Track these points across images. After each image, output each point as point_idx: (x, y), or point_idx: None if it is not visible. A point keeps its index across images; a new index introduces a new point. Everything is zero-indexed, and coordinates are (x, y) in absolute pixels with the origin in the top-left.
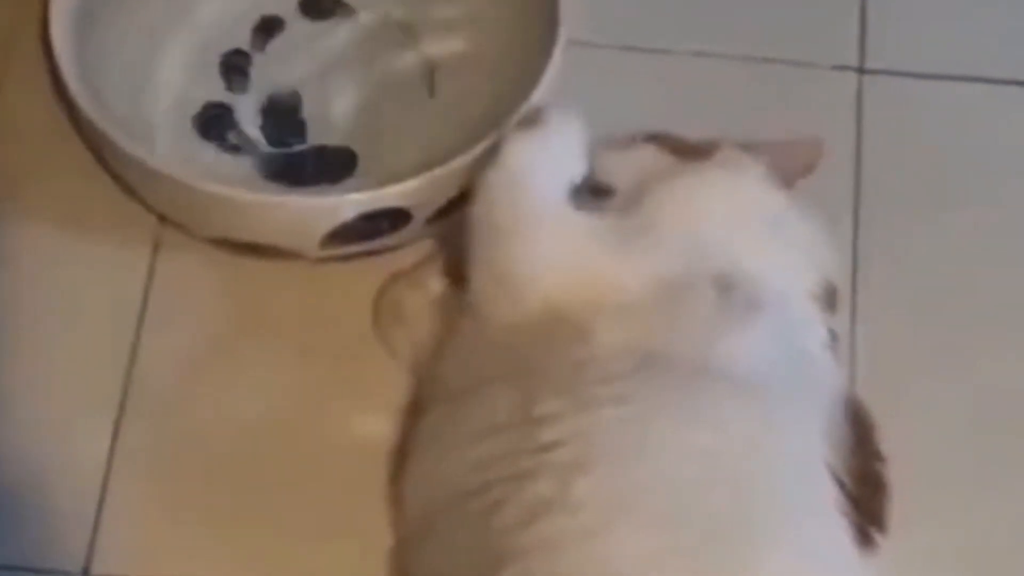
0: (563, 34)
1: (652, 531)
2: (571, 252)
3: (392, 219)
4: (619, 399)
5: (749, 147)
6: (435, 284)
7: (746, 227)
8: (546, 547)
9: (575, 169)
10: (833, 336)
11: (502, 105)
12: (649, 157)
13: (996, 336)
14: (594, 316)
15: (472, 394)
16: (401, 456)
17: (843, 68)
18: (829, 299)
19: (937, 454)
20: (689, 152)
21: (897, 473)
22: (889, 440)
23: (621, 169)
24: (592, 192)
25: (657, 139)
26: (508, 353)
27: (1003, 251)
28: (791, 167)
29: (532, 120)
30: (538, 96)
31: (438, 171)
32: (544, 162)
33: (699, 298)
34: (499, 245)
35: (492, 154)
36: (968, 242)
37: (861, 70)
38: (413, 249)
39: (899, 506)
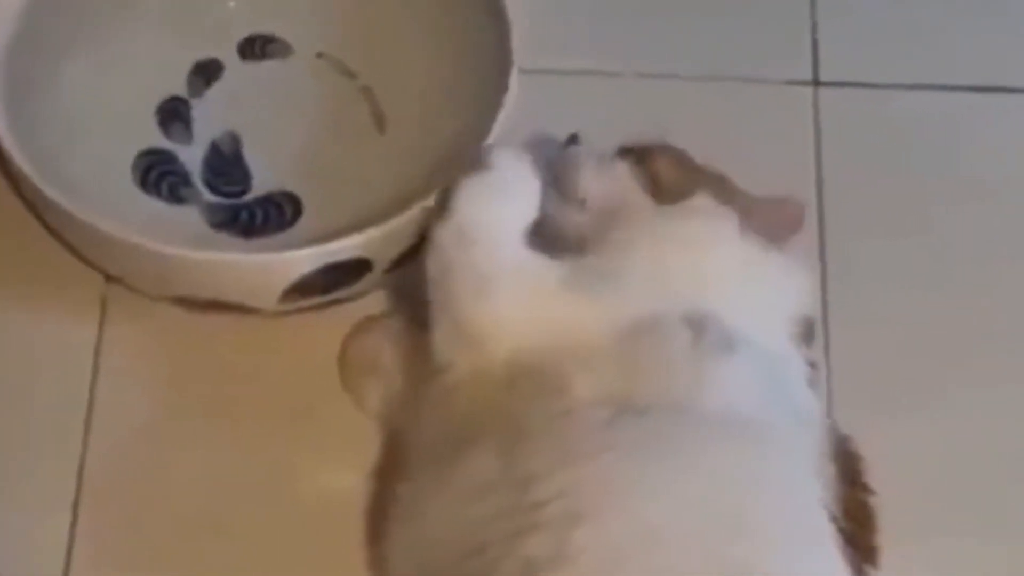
0: (516, 63)
1: None
2: (533, 302)
3: (353, 270)
4: (604, 448)
5: (729, 192)
6: (404, 334)
7: (716, 269)
8: None
9: (528, 210)
10: (812, 367)
11: (458, 140)
12: (624, 182)
13: (970, 353)
14: (568, 367)
15: (454, 457)
16: (378, 517)
17: (797, 83)
18: (807, 333)
19: (915, 481)
20: (663, 193)
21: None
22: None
23: (595, 186)
24: (566, 201)
25: (634, 152)
26: (486, 412)
27: (969, 259)
28: (771, 227)
29: (479, 163)
30: (497, 130)
31: (399, 219)
32: (495, 210)
33: (673, 339)
34: (457, 301)
35: (441, 204)
36: (935, 254)
37: (816, 83)
38: (374, 297)
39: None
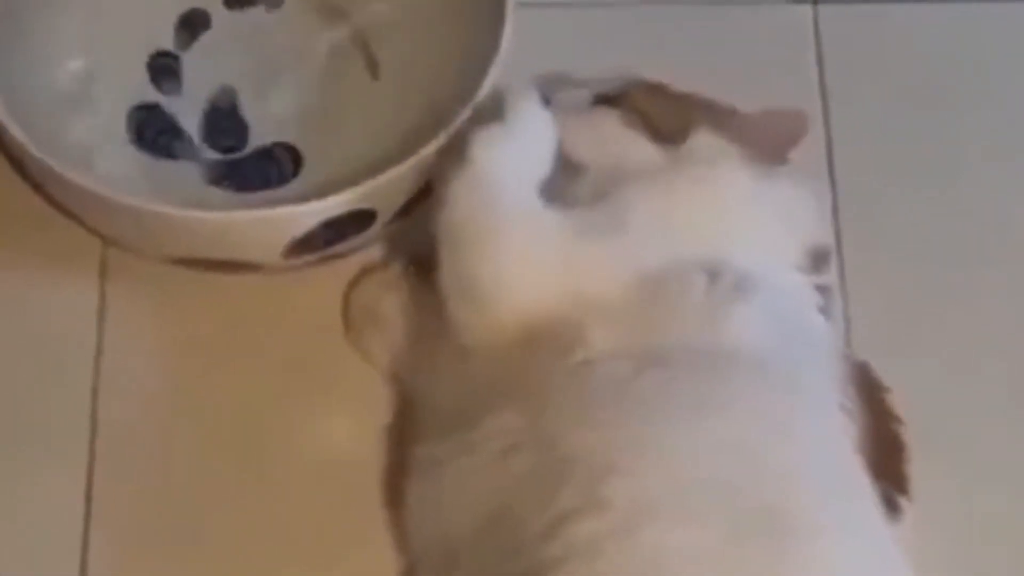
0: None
1: (691, 526)
2: (545, 257)
3: (357, 221)
4: (634, 397)
5: (726, 118)
6: (406, 282)
7: (724, 213)
8: (582, 553)
9: (544, 161)
10: (825, 292)
11: (455, 82)
12: (616, 130)
13: (989, 272)
14: (583, 320)
15: (475, 420)
16: (396, 478)
17: (796, 1)
18: (820, 260)
19: (937, 408)
20: (658, 131)
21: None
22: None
23: (588, 144)
24: (563, 169)
25: (624, 100)
26: (504, 372)
27: (983, 173)
28: (775, 142)
29: (493, 110)
30: (495, 69)
31: (401, 167)
32: (510, 161)
33: (688, 287)
34: (468, 256)
35: (455, 154)
36: (947, 169)
37: (815, 1)
38: (379, 247)
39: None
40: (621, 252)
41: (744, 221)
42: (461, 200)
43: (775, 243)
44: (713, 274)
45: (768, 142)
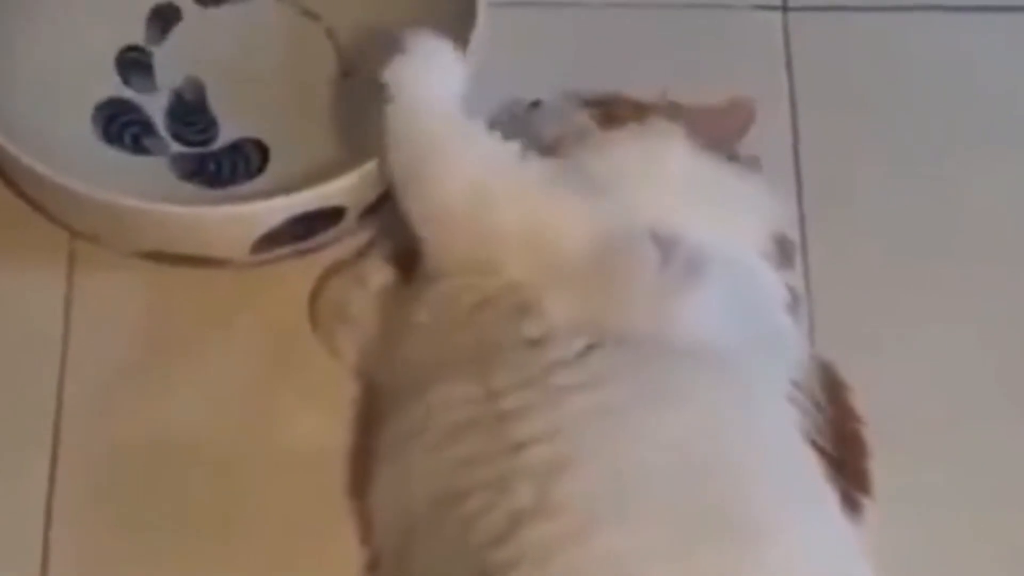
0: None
1: (644, 526)
2: (495, 162)
3: (326, 218)
4: (585, 386)
5: (679, 111)
6: (379, 278)
7: (675, 193)
8: (534, 556)
9: (459, 83)
10: (794, 295)
11: None
12: (585, 123)
13: (950, 274)
14: (542, 284)
15: (432, 393)
16: (359, 467)
17: (766, 8)
18: (784, 253)
19: (901, 408)
20: (615, 122)
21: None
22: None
23: (556, 127)
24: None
25: (595, 103)
26: (463, 340)
27: (948, 177)
28: (724, 131)
29: (396, 48)
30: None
31: (370, 164)
32: (433, 79)
33: (643, 262)
34: (423, 174)
35: (377, 101)
36: (913, 173)
37: (785, 8)
38: (347, 243)
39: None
40: (589, 205)
41: (697, 195)
42: (399, 130)
43: (735, 223)
44: (667, 249)
45: (718, 132)
